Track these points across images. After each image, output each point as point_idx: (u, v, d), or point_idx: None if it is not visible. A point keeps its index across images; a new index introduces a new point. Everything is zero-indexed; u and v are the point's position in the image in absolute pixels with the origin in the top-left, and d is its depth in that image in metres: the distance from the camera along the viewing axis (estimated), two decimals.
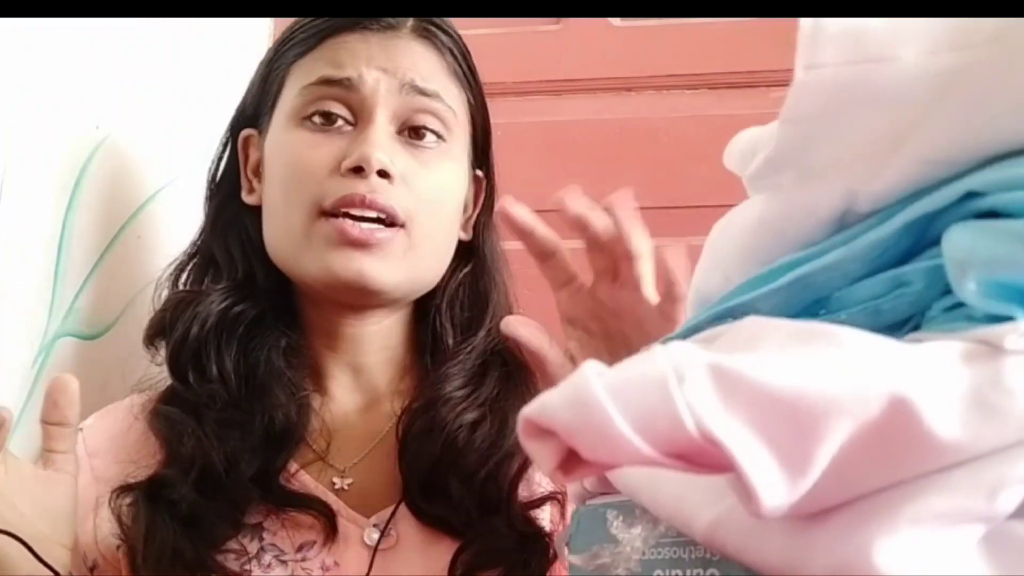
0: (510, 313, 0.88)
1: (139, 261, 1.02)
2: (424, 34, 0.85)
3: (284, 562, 0.76)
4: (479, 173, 0.90)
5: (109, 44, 0.97)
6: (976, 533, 0.31)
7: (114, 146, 0.98)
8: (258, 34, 1.34)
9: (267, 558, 0.76)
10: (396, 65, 0.82)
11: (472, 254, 0.89)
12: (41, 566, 0.68)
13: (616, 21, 1.37)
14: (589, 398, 0.30)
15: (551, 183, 1.34)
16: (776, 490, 0.30)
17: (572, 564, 0.44)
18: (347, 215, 0.79)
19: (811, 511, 0.32)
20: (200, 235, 0.91)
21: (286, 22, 1.38)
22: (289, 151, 0.83)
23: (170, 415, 0.81)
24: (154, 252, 1.05)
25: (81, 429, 0.82)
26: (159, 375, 0.88)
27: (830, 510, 0.32)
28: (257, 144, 0.88)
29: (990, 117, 0.35)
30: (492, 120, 0.92)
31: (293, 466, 0.81)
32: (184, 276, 0.89)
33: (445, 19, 0.88)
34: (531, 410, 0.32)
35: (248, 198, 0.88)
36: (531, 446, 0.32)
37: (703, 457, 0.30)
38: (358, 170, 0.79)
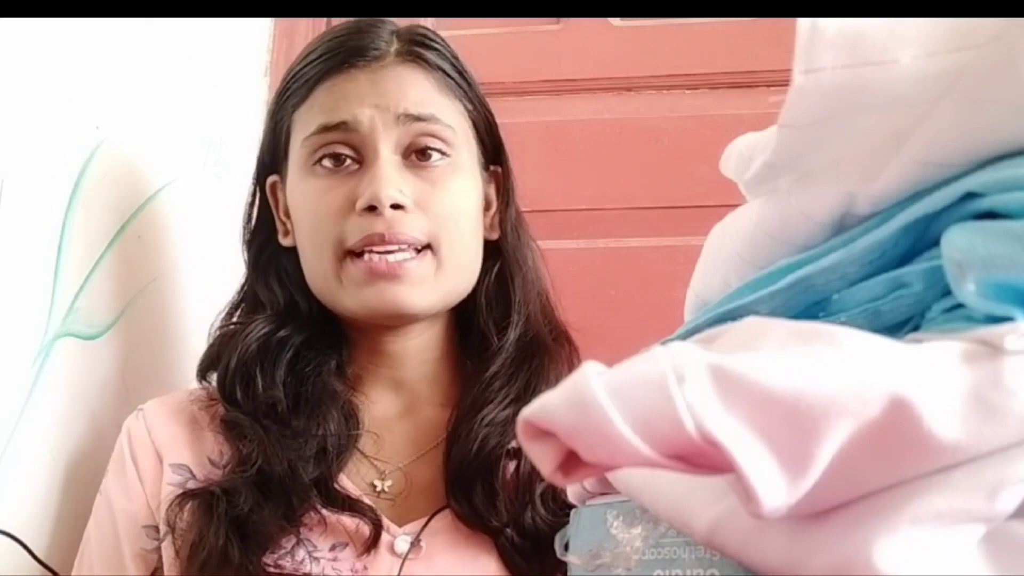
0: (543, 297, 0.91)
1: (139, 261, 1.02)
2: (410, 58, 0.87)
3: (316, 559, 0.78)
4: (494, 168, 0.92)
5: (109, 44, 0.97)
6: (976, 533, 0.31)
7: (114, 146, 0.98)
8: (258, 34, 1.34)
9: (301, 554, 0.78)
10: (387, 99, 0.85)
11: (499, 252, 0.91)
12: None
13: (616, 21, 1.37)
14: (588, 398, 0.30)
15: (551, 183, 1.34)
16: (776, 491, 0.30)
17: (572, 564, 0.44)
18: (372, 251, 0.82)
19: (811, 511, 0.32)
20: (244, 281, 0.95)
21: (286, 22, 1.38)
22: (306, 199, 0.87)
23: (237, 419, 0.85)
24: (154, 252, 1.05)
25: (142, 409, 0.88)
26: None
27: (830, 510, 0.32)
28: (283, 188, 0.91)
29: (989, 118, 0.35)
30: (485, 102, 0.92)
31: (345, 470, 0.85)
32: (233, 319, 0.94)
33: (429, 32, 0.89)
34: (530, 411, 0.32)
35: (284, 240, 0.93)
36: (531, 447, 0.32)
37: (703, 458, 0.30)
38: (372, 208, 0.81)
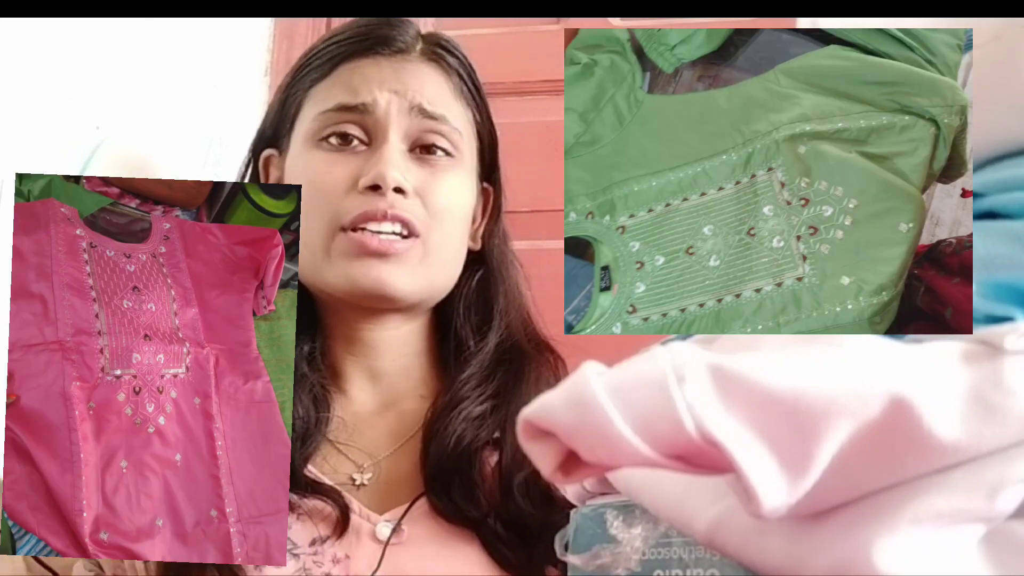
0: (524, 311, 0.92)
1: None
2: (432, 57, 0.89)
3: (296, 556, 0.78)
4: (486, 185, 0.93)
5: (109, 44, 0.97)
6: (976, 533, 0.31)
7: (114, 146, 0.98)
8: (258, 34, 1.34)
9: None
10: (406, 87, 0.87)
11: (481, 262, 0.92)
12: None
13: (616, 21, 1.37)
14: (589, 398, 0.30)
15: (551, 183, 1.34)
16: (776, 491, 0.30)
17: (572, 564, 0.44)
18: (366, 228, 0.83)
19: (811, 511, 0.32)
20: None
21: (286, 22, 1.38)
22: (308, 171, 0.88)
23: None
24: None
25: None
26: None
27: (830, 510, 0.32)
28: (277, 164, 0.93)
29: (989, 118, 0.35)
30: (492, 120, 0.93)
31: (314, 460, 0.85)
32: None
33: (453, 40, 0.91)
34: (531, 411, 0.32)
35: None
36: (531, 447, 0.32)
37: (703, 458, 0.30)
38: (375, 188, 0.83)
